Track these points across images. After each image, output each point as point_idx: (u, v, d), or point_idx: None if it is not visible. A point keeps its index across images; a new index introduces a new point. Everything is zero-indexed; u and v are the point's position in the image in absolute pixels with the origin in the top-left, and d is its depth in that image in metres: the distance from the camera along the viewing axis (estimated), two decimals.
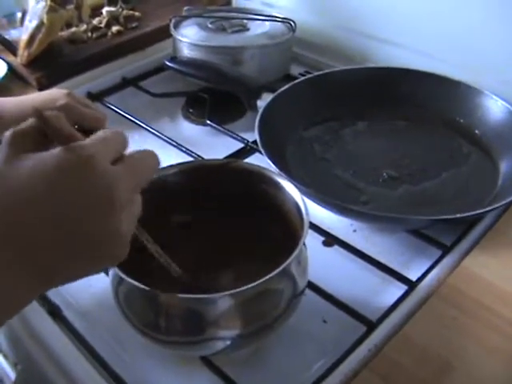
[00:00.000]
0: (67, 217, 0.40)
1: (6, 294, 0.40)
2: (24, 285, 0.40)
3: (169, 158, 0.79)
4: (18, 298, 0.41)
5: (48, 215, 0.40)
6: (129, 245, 0.44)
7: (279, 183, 0.63)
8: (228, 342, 0.55)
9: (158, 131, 0.95)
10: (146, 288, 0.51)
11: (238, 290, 0.51)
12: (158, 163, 0.48)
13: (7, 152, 0.42)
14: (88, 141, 0.42)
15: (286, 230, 0.63)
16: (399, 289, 0.67)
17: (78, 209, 0.40)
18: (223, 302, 0.52)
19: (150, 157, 0.47)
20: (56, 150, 0.41)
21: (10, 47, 1.11)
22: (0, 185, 0.40)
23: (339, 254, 0.74)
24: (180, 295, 0.51)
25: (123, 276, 0.51)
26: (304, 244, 0.57)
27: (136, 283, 0.51)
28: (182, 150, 0.90)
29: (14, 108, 0.76)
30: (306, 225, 0.56)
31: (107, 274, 0.60)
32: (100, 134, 0.44)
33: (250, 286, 0.51)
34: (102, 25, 1.19)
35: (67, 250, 0.41)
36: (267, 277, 0.51)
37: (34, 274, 0.40)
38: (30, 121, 0.44)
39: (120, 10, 1.23)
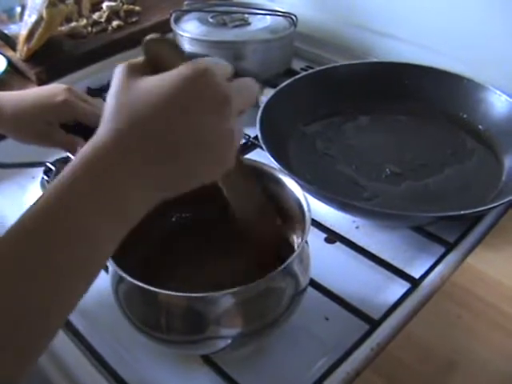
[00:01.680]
0: (187, 119, 0.42)
1: (130, 203, 0.42)
2: (145, 192, 0.42)
3: None
4: (138, 207, 0.43)
5: (170, 120, 0.42)
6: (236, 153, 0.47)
7: (281, 180, 0.63)
8: (229, 341, 0.54)
9: None
10: (146, 286, 0.50)
11: (239, 288, 0.50)
12: (258, 91, 0.51)
13: (123, 77, 0.44)
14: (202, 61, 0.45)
15: (287, 227, 0.62)
16: (402, 286, 0.67)
17: (197, 112, 0.42)
18: (224, 300, 0.51)
19: (254, 84, 0.49)
20: (174, 69, 0.43)
21: (10, 42, 1.10)
22: (123, 100, 0.44)
23: (341, 251, 0.73)
24: (180, 294, 0.50)
25: (123, 274, 0.51)
26: (306, 242, 0.57)
27: (136, 282, 0.50)
28: None
29: (14, 103, 0.75)
30: (308, 222, 0.56)
31: (107, 271, 0.60)
32: (208, 58, 0.46)
33: (251, 284, 0.50)
34: (102, 19, 1.19)
35: (186, 154, 0.43)
36: (269, 275, 0.50)
37: (153, 181, 0.43)
38: (141, 57, 0.46)
39: (120, 4, 1.22)
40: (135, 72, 0.44)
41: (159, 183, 0.43)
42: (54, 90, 0.75)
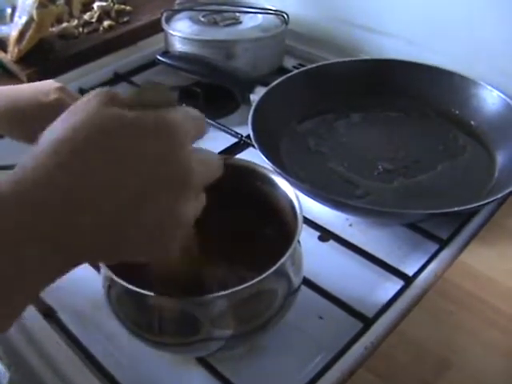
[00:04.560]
0: (134, 186, 0.36)
1: (39, 270, 0.36)
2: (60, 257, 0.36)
3: None
4: (51, 273, 0.37)
5: (115, 177, 0.36)
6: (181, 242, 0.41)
7: (273, 180, 0.62)
8: (222, 343, 0.54)
9: None
10: (138, 290, 0.50)
11: (231, 290, 0.50)
12: (219, 168, 0.44)
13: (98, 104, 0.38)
14: (179, 114, 0.39)
15: (280, 228, 0.62)
16: (396, 284, 0.67)
17: (148, 179, 0.37)
18: (217, 303, 0.51)
19: (218, 158, 0.44)
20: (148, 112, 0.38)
21: (0, 44, 1.10)
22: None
23: (335, 249, 0.73)
24: (173, 297, 0.50)
25: (114, 278, 0.50)
26: (298, 242, 0.56)
27: (127, 285, 0.50)
28: None
29: (6, 98, 0.75)
30: (300, 223, 0.55)
31: (99, 272, 0.59)
32: (189, 111, 0.41)
33: (243, 286, 0.50)
34: (94, 20, 1.18)
35: (121, 226, 0.37)
36: (261, 277, 0.50)
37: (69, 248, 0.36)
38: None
39: (111, 4, 1.22)
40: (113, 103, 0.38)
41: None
42: (47, 87, 0.75)
